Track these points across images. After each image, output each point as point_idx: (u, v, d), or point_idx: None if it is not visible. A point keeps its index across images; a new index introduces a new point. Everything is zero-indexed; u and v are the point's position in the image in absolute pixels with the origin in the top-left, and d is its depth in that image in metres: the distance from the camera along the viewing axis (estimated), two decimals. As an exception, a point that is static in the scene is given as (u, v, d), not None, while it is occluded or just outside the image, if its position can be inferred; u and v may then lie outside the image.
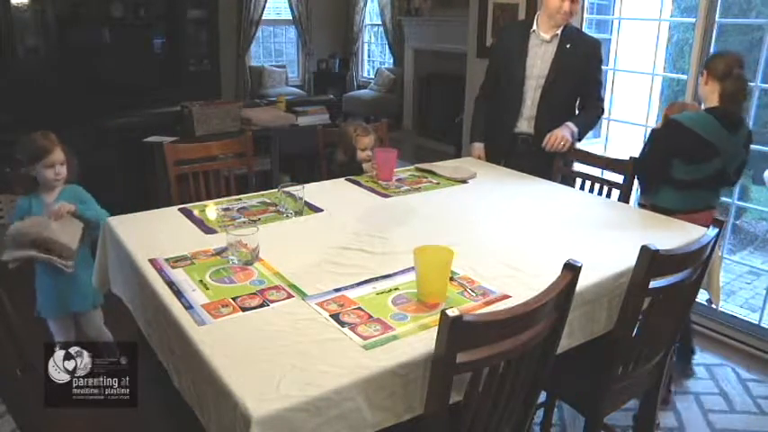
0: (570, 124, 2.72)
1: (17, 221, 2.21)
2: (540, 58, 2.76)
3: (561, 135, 2.67)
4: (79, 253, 2.26)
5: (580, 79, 2.78)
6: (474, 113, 3.09)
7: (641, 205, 2.55)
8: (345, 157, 2.76)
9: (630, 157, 2.53)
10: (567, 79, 2.75)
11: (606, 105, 3.87)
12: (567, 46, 2.74)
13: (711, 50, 2.99)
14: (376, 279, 1.60)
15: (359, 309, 1.45)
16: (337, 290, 1.54)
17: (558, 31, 2.74)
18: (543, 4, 2.75)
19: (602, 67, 2.92)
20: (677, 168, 2.36)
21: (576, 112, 2.87)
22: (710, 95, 2.36)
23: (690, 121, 2.32)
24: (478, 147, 2.96)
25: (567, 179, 2.79)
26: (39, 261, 2.18)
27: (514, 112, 2.82)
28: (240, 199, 2.29)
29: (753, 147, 2.97)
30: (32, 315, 2.28)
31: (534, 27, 2.78)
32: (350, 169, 2.70)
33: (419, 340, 1.32)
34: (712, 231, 1.71)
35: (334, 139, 2.87)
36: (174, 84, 7.37)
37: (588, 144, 4.02)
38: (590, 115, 2.84)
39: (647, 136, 2.46)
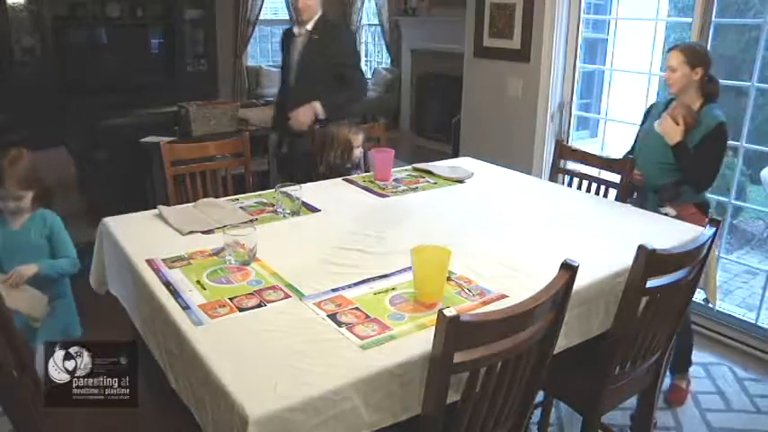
0: (315, 103, 3.10)
1: None
2: (296, 50, 3.22)
3: (302, 113, 3.08)
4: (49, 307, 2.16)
5: (331, 65, 3.14)
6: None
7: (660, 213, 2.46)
8: (340, 158, 2.77)
9: (695, 174, 2.43)
10: (315, 66, 3.16)
11: (603, 105, 3.89)
12: (315, 37, 3.16)
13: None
14: (373, 279, 1.60)
15: (356, 309, 1.45)
16: (335, 290, 1.54)
17: (309, 25, 3.16)
18: None
19: (355, 52, 3.41)
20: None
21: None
22: (695, 91, 2.44)
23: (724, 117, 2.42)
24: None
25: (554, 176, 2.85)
26: None
27: (287, 98, 3.27)
28: (237, 199, 2.29)
29: (750, 146, 3.00)
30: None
31: (294, 26, 3.27)
32: (345, 171, 2.71)
33: (416, 340, 1.32)
34: (709, 230, 1.71)
35: (326, 141, 2.86)
36: (171, 84, 7.36)
37: (585, 144, 4.03)
38: (340, 95, 3.21)
39: (701, 144, 2.38)
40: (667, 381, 2.55)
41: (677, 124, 2.38)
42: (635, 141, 2.72)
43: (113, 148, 4.25)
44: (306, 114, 3.09)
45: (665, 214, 2.41)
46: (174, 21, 7.39)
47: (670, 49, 2.49)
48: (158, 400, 1.63)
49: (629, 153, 2.70)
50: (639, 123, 2.75)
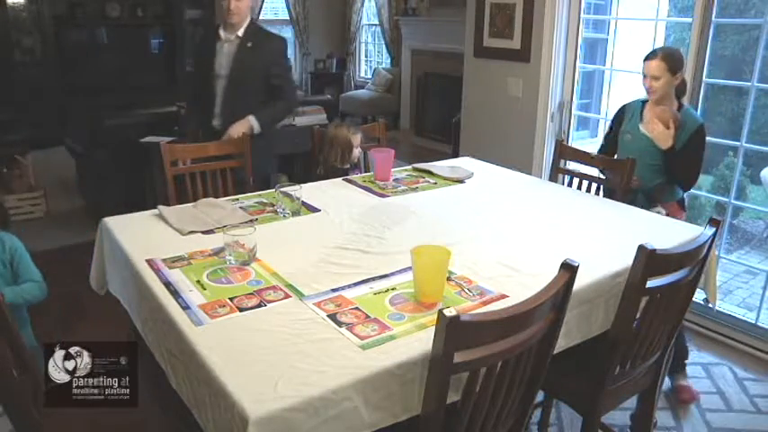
0: (251, 118, 2.89)
1: None
2: (225, 57, 2.94)
3: (236, 129, 2.83)
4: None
5: (264, 75, 2.95)
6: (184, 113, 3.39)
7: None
8: (339, 158, 2.77)
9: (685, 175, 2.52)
10: (250, 75, 2.93)
11: (603, 105, 3.89)
12: (248, 44, 2.93)
13: (708, 51, 2.99)
14: (373, 279, 1.60)
15: (356, 309, 1.45)
16: (334, 290, 1.54)
17: (240, 32, 2.92)
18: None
19: (289, 63, 3.21)
20: None
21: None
22: (673, 93, 2.53)
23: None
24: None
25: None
26: None
27: (210, 110, 3.01)
28: (237, 199, 2.29)
29: (750, 146, 3.00)
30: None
31: (220, 30, 2.96)
32: (343, 171, 2.71)
33: (416, 340, 1.32)
34: (709, 230, 1.71)
35: (325, 142, 2.85)
36: (172, 84, 7.36)
37: (585, 144, 4.03)
38: (276, 108, 3.04)
39: (687, 145, 2.47)
40: (667, 382, 2.55)
41: (667, 128, 2.43)
42: (605, 142, 2.80)
43: (113, 148, 4.26)
44: (240, 131, 2.83)
45: (657, 213, 2.46)
46: (174, 21, 7.39)
47: (648, 58, 2.51)
48: (158, 400, 1.63)
49: (600, 153, 2.77)
50: (610, 125, 2.79)
